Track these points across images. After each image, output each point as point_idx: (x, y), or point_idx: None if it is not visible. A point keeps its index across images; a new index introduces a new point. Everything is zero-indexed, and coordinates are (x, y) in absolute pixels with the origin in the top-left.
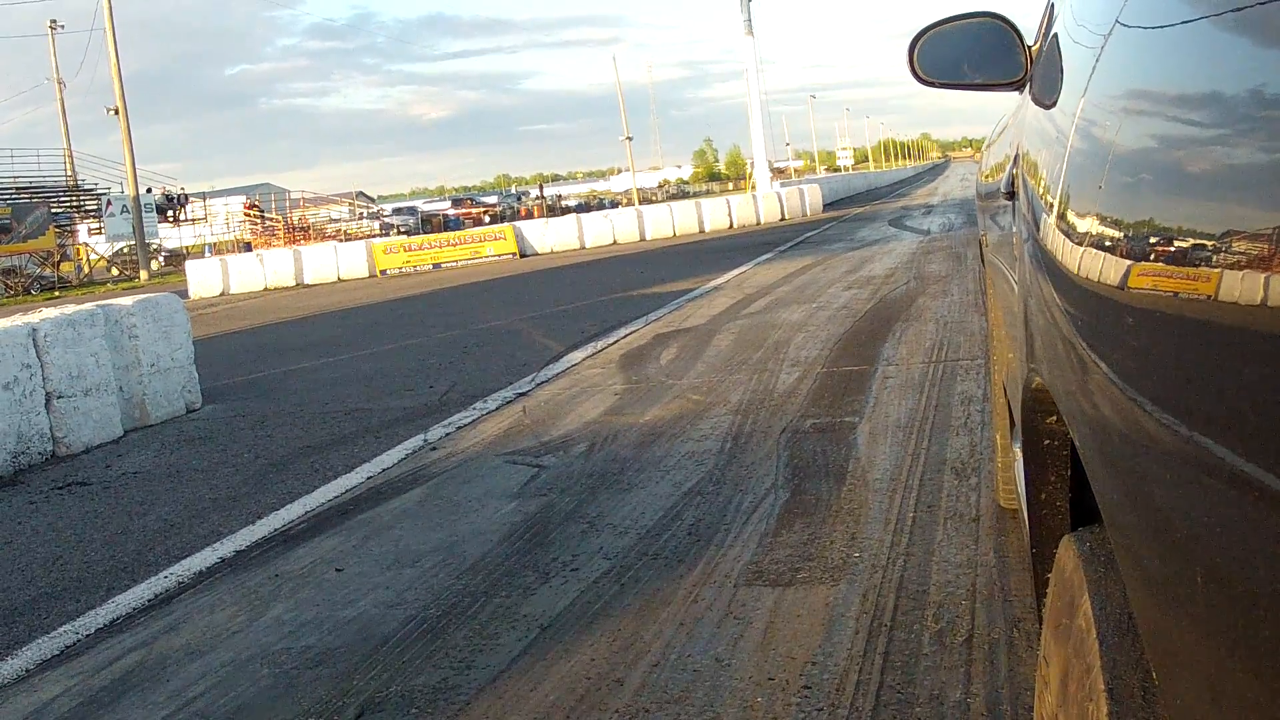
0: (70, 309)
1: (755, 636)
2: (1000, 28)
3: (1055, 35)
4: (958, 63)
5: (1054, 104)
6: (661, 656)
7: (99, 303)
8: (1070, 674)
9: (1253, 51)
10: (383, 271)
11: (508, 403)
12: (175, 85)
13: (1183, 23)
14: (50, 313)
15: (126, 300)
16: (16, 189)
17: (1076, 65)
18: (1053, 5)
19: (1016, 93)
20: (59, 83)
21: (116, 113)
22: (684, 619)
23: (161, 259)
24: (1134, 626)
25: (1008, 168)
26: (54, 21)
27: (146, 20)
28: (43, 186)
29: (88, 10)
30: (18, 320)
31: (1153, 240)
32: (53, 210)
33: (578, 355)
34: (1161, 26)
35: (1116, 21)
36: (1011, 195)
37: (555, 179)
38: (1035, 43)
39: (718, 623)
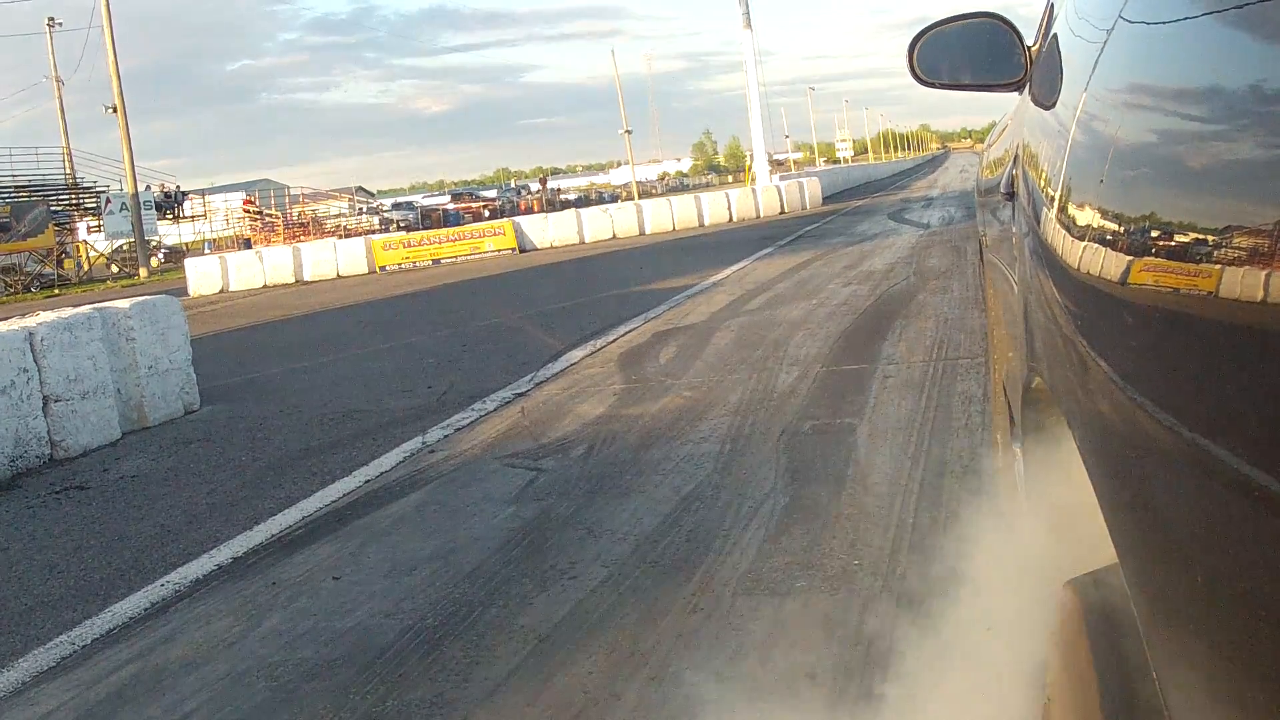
0: (68, 313)
1: (755, 648)
2: (1000, 28)
3: (1055, 35)
4: (957, 63)
5: (1054, 104)
6: (660, 669)
7: (96, 305)
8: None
9: (1255, 46)
10: (382, 268)
11: (506, 403)
12: (176, 81)
13: (1185, 18)
14: (47, 316)
15: (124, 303)
16: (15, 187)
17: (1078, 60)
18: (1052, 5)
19: (1016, 93)
20: (57, 80)
21: (115, 111)
22: (682, 630)
23: (161, 256)
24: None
25: (1007, 166)
26: (52, 19)
27: (147, 16)
28: (42, 185)
29: (86, 7)
30: (15, 324)
31: (1154, 235)
32: (52, 208)
33: (577, 354)
34: (1164, 21)
35: (1119, 16)
36: (1011, 195)
37: (555, 172)
38: (1035, 43)
39: (716, 634)
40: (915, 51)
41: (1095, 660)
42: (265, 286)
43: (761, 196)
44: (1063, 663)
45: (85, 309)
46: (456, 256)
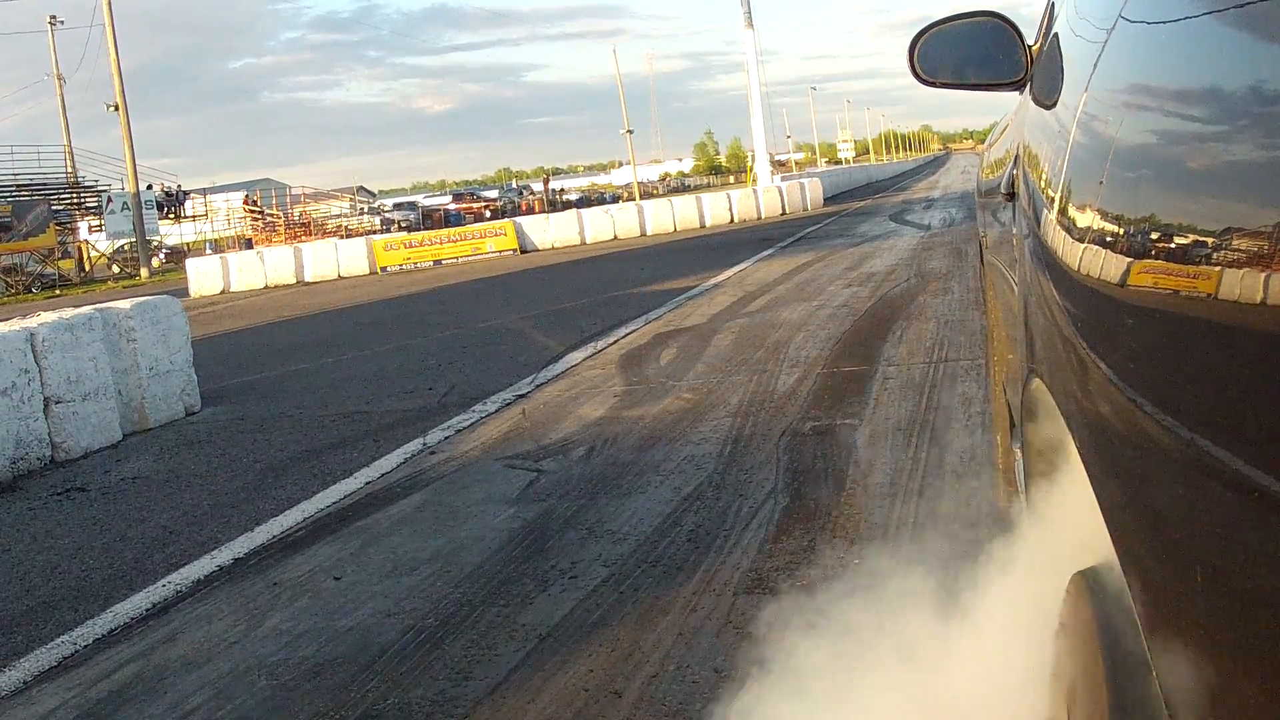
0: (69, 313)
1: (754, 646)
2: (1001, 27)
3: (1056, 34)
4: (958, 62)
5: (1055, 103)
6: (660, 667)
7: (97, 306)
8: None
9: (1255, 46)
10: (383, 268)
11: (507, 405)
12: (178, 79)
13: (1186, 18)
14: (49, 317)
15: (125, 303)
16: (17, 186)
17: (1079, 60)
18: (1053, 4)
19: (1017, 93)
20: (59, 79)
21: (117, 109)
22: (683, 628)
23: (162, 256)
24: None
25: (1007, 167)
26: (54, 17)
27: (149, 14)
28: (43, 184)
29: (88, 6)
30: (16, 325)
31: (1154, 236)
32: (53, 208)
33: (577, 355)
34: (1165, 22)
35: (1120, 16)
36: (1011, 196)
37: (556, 172)
38: (1036, 42)
39: (716, 632)
40: (916, 51)
41: (1102, 653)
42: (266, 287)
43: (763, 197)
44: (1070, 655)
45: (86, 309)
46: (458, 257)
